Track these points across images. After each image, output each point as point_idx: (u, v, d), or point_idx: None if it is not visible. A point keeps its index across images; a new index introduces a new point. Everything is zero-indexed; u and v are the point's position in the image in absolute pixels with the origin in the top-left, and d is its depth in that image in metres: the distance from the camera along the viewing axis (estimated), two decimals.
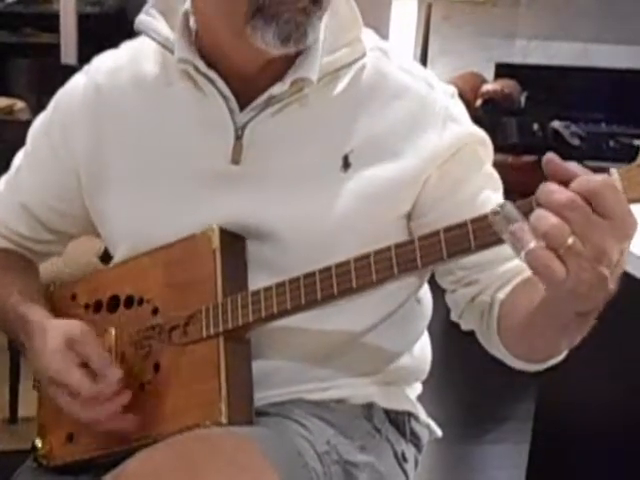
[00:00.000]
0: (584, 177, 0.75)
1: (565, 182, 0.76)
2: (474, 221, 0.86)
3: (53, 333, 1.04)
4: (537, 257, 0.74)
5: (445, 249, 0.88)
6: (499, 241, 0.83)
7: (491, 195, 1.08)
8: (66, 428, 1.12)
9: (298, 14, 0.97)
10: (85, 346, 1.02)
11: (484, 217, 0.85)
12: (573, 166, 0.77)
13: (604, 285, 0.77)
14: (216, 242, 1.04)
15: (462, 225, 0.86)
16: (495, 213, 0.78)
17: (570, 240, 0.74)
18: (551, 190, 0.75)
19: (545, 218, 0.74)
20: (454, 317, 1.13)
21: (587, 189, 0.74)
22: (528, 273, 0.91)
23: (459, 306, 1.11)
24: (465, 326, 1.12)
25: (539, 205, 0.75)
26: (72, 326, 1.05)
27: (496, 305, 1.04)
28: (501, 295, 1.04)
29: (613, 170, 0.77)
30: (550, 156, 0.78)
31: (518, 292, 1.01)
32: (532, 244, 0.75)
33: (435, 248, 0.88)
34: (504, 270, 1.05)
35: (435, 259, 0.88)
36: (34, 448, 1.14)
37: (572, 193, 0.74)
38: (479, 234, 0.86)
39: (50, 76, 3.98)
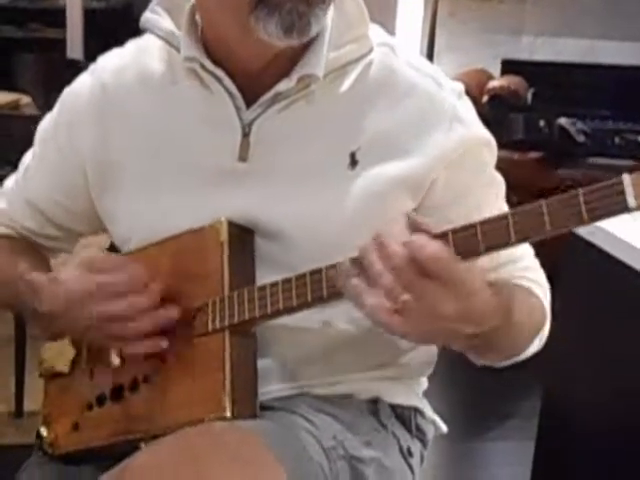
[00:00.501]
0: (419, 243, 0.82)
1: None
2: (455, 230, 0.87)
3: (65, 270, 1.05)
4: (374, 313, 0.83)
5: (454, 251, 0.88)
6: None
7: (494, 202, 1.10)
8: (71, 417, 1.12)
9: (300, 4, 0.97)
10: (100, 261, 1.03)
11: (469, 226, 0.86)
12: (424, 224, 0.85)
13: (453, 336, 0.86)
14: (224, 235, 1.04)
15: (470, 226, 0.86)
16: (331, 267, 0.89)
17: (405, 297, 0.81)
18: (390, 255, 0.83)
19: (380, 276, 0.83)
20: None
21: (419, 256, 0.81)
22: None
23: None
24: None
25: (383, 259, 0.83)
26: (81, 257, 1.06)
27: None
28: None
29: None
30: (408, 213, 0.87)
31: None
32: (370, 300, 0.83)
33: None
34: None
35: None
36: (39, 436, 1.15)
37: (405, 257, 0.82)
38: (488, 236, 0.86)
39: (56, 71, 3.99)
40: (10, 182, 1.26)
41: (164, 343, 1.03)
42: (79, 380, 1.13)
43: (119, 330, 1.02)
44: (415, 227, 0.86)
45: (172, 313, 1.03)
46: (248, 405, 1.02)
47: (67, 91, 1.19)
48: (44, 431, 1.15)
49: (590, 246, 1.68)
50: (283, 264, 1.05)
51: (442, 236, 0.85)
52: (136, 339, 1.02)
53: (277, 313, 0.99)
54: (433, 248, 0.82)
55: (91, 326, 1.02)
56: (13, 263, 1.16)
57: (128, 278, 1.01)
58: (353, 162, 1.05)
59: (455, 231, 0.85)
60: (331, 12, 1.04)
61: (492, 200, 1.10)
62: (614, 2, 4.85)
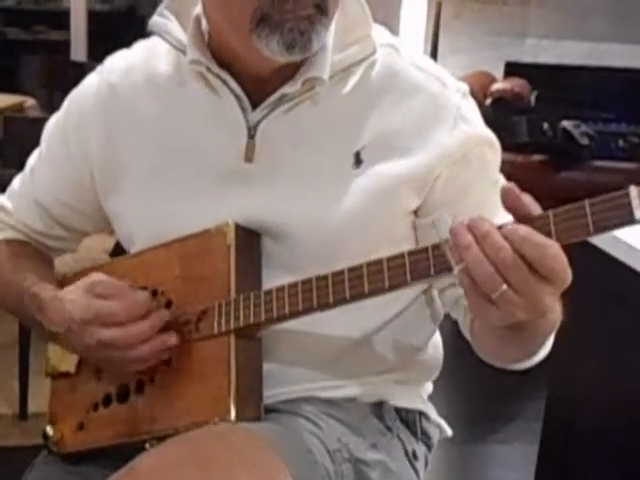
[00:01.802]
0: (534, 240, 0.78)
1: (519, 215, 0.80)
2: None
3: (69, 290, 1.05)
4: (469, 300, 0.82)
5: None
6: None
7: (496, 203, 1.08)
8: (77, 417, 1.13)
9: (302, 22, 0.98)
10: (103, 285, 1.04)
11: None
12: (529, 202, 0.81)
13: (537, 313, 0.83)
14: (231, 238, 1.04)
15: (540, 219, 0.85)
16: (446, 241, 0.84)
17: (503, 287, 0.79)
18: (498, 247, 0.78)
19: (481, 265, 0.79)
20: (444, 308, 1.17)
21: (534, 255, 0.78)
22: None
23: (446, 305, 1.14)
24: (454, 317, 1.14)
25: (482, 251, 0.79)
26: (86, 278, 1.06)
27: (468, 311, 1.07)
28: None
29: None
30: (508, 187, 0.81)
31: None
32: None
33: (447, 257, 0.88)
34: None
35: (448, 267, 0.87)
36: (45, 436, 1.15)
37: (515, 255, 0.78)
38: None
39: (60, 73, 4.00)
40: (16, 183, 1.27)
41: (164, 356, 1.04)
42: (85, 380, 1.14)
43: (117, 356, 1.02)
44: (513, 204, 0.81)
45: (171, 340, 1.03)
46: (253, 408, 1.02)
47: (75, 92, 1.20)
48: (50, 430, 1.15)
49: (595, 249, 1.68)
50: (288, 263, 1.05)
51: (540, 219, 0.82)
52: (134, 364, 1.03)
53: (283, 317, 0.99)
54: (552, 247, 0.78)
55: (90, 349, 1.03)
56: (21, 272, 1.17)
57: (128, 307, 1.02)
58: (358, 161, 1.06)
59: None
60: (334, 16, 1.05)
61: (495, 201, 1.09)
62: (618, 4, 4.85)
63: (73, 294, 1.04)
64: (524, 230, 0.79)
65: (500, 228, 0.80)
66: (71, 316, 1.03)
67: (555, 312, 0.89)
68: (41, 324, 1.07)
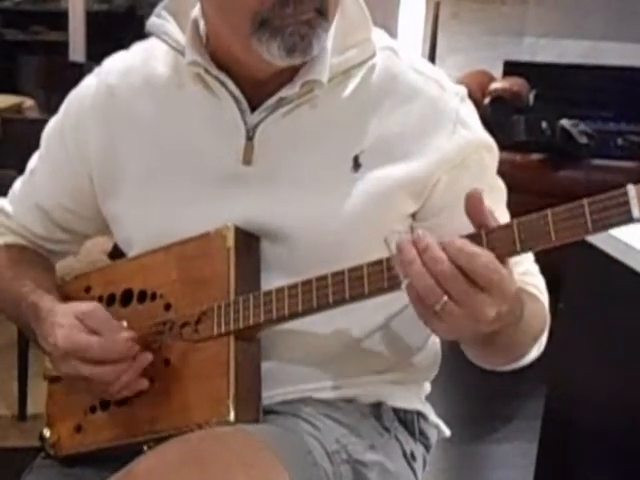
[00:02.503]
0: (466, 250, 0.81)
1: (478, 221, 0.84)
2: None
3: (63, 312, 1.05)
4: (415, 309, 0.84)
5: None
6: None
7: (493, 207, 1.09)
8: (74, 419, 1.13)
9: (302, 26, 0.98)
10: (94, 318, 1.04)
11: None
12: (487, 213, 0.84)
13: (481, 333, 0.86)
14: (231, 241, 1.04)
15: (475, 236, 0.86)
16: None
17: (444, 299, 0.81)
18: (436, 259, 0.81)
19: (422, 278, 0.82)
20: None
21: (468, 265, 0.81)
22: None
23: None
24: None
25: (424, 265, 0.82)
26: (81, 304, 1.07)
27: None
28: None
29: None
30: (472, 192, 0.84)
31: None
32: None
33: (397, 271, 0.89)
34: None
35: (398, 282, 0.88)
36: (42, 438, 1.15)
37: (452, 266, 0.81)
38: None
39: (59, 74, 3.99)
40: (17, 186, 1.27)
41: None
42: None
43: (96, 387, 1.03)
44: (474, 210, 0.85)
45: (144, 383, 1.04)
46: (251, 409, 1.02)
47: (73, 93, 1.20)
48: (47, 432, 1.15)
49: (593, 248, 1.68)
50: (287, 266, 1.05)
51: (474, 237, 0.85)
52: (113, 394, 1.04)
53: (282, 319, 1.00)
54: (486, 257, 0.81)
55: (69, 376, 1.04)
56: (20, 278, 1.17)
57: (106, 347, 1.01)
58: (356, 165, 1.06)
59: (488, 232, 0.85)
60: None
61: (492, 206, 1.09)
62: (616, 3, 4.85)
63: (64, 318, 1.04)
64: (459, 242, 0.82)
65: (441, 243, 0.83)
66: (55, 342, 1.03)
67: (527, 321, 0.93)
68: (35, 334, 1.08)
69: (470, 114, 1.10)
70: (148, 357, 1.03)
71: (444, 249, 0.82)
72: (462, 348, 1.05)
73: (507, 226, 0.84)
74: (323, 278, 0.96)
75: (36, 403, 2.54)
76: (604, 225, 0.79)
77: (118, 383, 1.02)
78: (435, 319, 0.83)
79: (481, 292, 0.81)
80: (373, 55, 1.07)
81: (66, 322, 1.03)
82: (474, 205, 0.84)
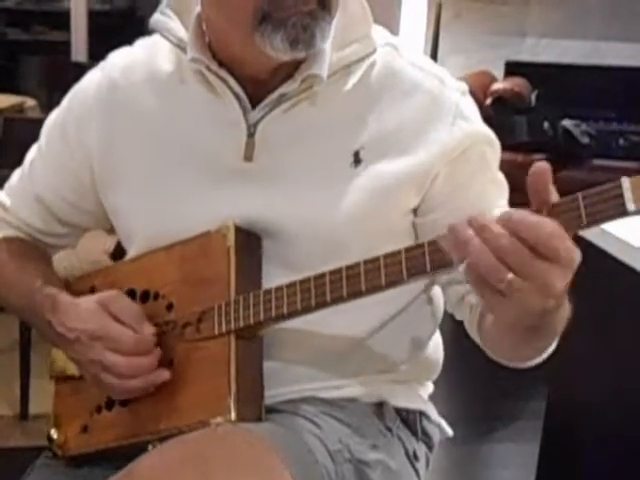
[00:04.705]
0: (527, 221, 0.76)
1: (539, 200, 0.78)
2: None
3: (85, 300, 1.06)
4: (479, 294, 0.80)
5: None
6: None
7: (495, 200, 1.09)
8: (81, 419, 1.13)
9: (305, 18, 0.97)
10: (118, 304, 1.04)
11: None
12: (552, 194, 0.78)
13: (550, 306, 0.80)
14: (231, 240, 1.04)
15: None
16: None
17: (509, 275, 0.76)
18: (497, 235, 0.76)
19: (484, 256, 0.76)
20: (448, 309, 1.16)
21: (531, 235, 0.75)
22: None
23: (451, 302, 1.13)
24: (459, 317, 1.13)
25: (483, 242, 0.77)
26: (103, 293, 1.07)
27: (475, 309, 1.06)
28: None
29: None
30: (543, 167, 0.78)
31: None
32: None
33: (444, 252, 0.87)
34: None
35: (445, 264, 0.87)
36: (50, 439, 1.15)
37: (514, 239, 0.76)
38: None
39: (61, 74, 4.00)
40: (15, 178, 1.26)
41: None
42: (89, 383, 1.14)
43: (109, 379, 1.02)
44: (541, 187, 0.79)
45: (164, 375, 1.03)
46: (253, 408, 1.02)
47: (76, 87, 1.20)
48: (54, 433, 1.15)
49: (595, 249, 1.68)
50: (288, 261, 1.06)
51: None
52: (120, 393, 1.04)
53: (282, 317, 1.00)
54: (550, 225, 0.76)
55: (89, 363, 1.04)
56: (27, 271, 1.17)
57: (137, 340, 1.02)
58: (357, 161, 1.06)
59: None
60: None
61: (492, 198, 1.09)
62: (618, 3, 4.85)
63: (90, 304, 1.04)
64: (518, 214, 0.77)
65: (498, 219, 0.79)
66: (85, 327, 1.03)
67: (565, 305, 0.87)
68: (49, 324, 1.06)
69: (470, 108, 1.10)
70: (165, 375, 1.03)
71: (504, 225, 0.77)
72: (487, 344, 1.04)
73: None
74: (321, 276, 0.96)
75: (38, 403, 2.54)
76: (598, 219, 0.78)
77: (134, 380, 1.02)
78: (502, 299, 0.78)
79: (549, 263, 0.76)
80: (374, 51, 1.07)
81: (91, 307, 1.04)
82: (537, 181, 0.78)
